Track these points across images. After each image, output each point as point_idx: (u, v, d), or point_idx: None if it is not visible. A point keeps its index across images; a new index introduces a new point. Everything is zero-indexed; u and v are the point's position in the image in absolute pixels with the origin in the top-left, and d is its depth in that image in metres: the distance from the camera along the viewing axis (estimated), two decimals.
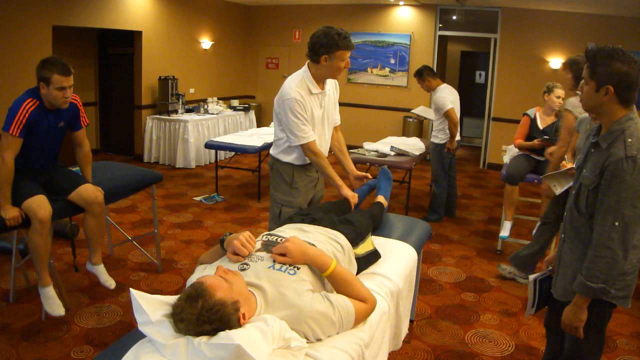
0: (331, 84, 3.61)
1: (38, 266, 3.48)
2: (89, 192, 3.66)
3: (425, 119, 7.76)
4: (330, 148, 3.77)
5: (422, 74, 6.31)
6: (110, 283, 3.91)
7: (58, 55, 3.47)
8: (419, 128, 10.09)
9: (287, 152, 3.55)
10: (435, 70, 9.99)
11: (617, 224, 2.18)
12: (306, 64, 3.44)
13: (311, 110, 3.40)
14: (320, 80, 3.44)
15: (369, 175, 3.71)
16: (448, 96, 6.14)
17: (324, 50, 3.26)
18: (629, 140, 2.17)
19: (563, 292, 2.53)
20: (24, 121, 3.31)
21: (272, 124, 3.67)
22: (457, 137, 6.36)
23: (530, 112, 5.49)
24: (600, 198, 2.25)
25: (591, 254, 2.26)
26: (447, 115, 6.10)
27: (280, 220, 3.50)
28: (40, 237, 3.38)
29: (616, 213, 2.17)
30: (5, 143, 3.32)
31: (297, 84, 3.36)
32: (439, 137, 6.32)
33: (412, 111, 7.28)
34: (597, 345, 2.57)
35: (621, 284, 2.29)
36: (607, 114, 2.28)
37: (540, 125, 5.36)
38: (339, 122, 3.81)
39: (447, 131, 6.23)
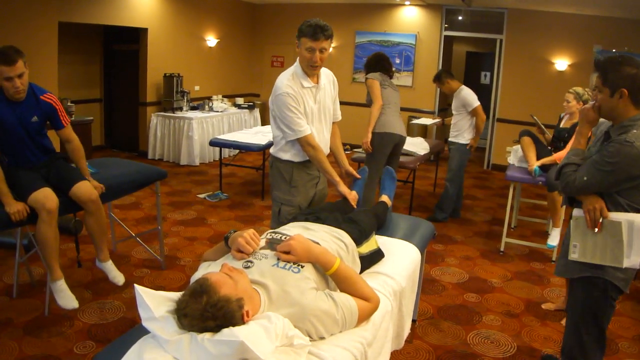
0: (328, 79, 3.60)
1: (48, 259, 3.48)
2: (81, 191, 3.61)
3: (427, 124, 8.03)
4: None
5: (441, 77, 6.40)
6: (119, 280, 3.91)
7: (9, 45, 3.41)
8: (424, 128, 10.08)
9: (285, 149, 3.54)
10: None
11: (585, 179, 2.54)
12: (297, 58, 3.45)
13: (304, 103, 3.40)
14: (311, 74, 3.43)
15: (357, 175, 3.75)
16: (474, 94, 6.27)
17: (296, 36, 3.34)
18: (634, 131, 2.42)
19: (565, 269, 2.77)
20: None
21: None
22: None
23: (563, 114, 5.53)
24: (591, 155, 2.59)
25: (567, 167, 2.66)
26: (476, 112, 6.19)
27: (280, 220, 3.50)
28: (49, 228, 3.38)
29: (590, 171, 2.53)
30: None
31: (288, 78, 3.37)
32: (465, 136, 6.32)
33: (414, 122, 7.45)
34: (594, 332, 2.73)
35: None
36: (622, 116, 2.49)
37: (561, 125, 5.40)
38: (339, 118, 3.80)
39: (473, 130, 6.30)
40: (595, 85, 2.56)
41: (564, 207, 5.07)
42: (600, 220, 2.56)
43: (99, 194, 3.73)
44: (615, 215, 2.54)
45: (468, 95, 6.21)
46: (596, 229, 2.58)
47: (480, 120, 6.23)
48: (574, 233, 2.67)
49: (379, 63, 5.78)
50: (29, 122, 3.52)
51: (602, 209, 2.54)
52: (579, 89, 5.27)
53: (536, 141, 5.42)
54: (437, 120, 7.25)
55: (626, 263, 2.55)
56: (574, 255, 2.66)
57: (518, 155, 5.54)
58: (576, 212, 2.68)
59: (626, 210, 2.53)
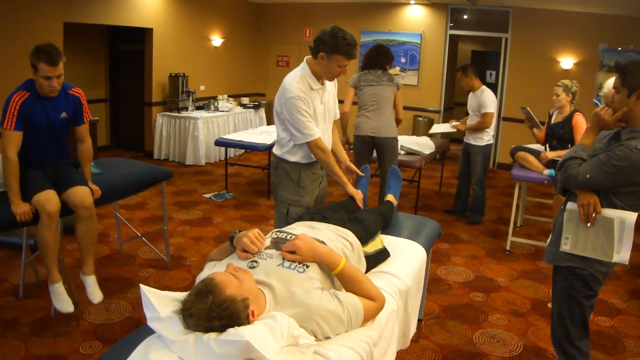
0: None
1: (47, 261, 3.48)
2: (77, 194, 3.53)
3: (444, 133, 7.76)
4: None
5: (467, 70, 6.25)
6: (95, 297, 3.70)
7: (50, 43, 3.43)
8: (429, 127, 10.04)
9: (292, 152, 3.51)
10: (445, 69, 10.04)
11: (588, 176, 2.54)
12: (305, 59, 3.41)
13: (313, 106, 3.37)
14: (319, 76, 3.41)
15: (359, 172, 3.76)
16: (495, 100, 6.19)
17: (324, 48, 3.22)
18: None
19: (554, 256, 2.80)
20: (15, 114, 3.30)
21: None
22: (491, 141, 6.39)
23: (552, 110, 5.52)
24: (598, 153, 2.56)
25: (572, 161, 2.63)
26: (486, 116, 6.12)
27: (288, 220, 3.49)
28: (48, 231, 3.37)
29: (594, 170, 2.52)
30: (5, 139, 3.32)
31: (297, 80, 3.32)
32: (484, 138, 6.27)
33: (432, 131, 7.19)
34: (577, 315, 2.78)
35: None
36: (635, 120, 2.49)
37: (552, 121, 5.39)
38: (338, 117, 3.79)
39: (490, 132, 6.28)
40: (614, 86, 2.55)
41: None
42: (593, 215, 2.60)
43: (96, 197, 3.69)
44: (608, 212, 2.58)
45: (488, 97, 6.12)
46: (589, 224, 2.62)
47: (484, 125, 6.15)
48: (567, 225, 2.71)
49: (372, 58, 5.70)
50: (57, 119, 3.53)
51: (596, 204, 2.58)
52: (567, 82, 5.25)
53: (530, 151, 5.43)
54: (454, 123, 6.94)
55: (615, 258, 2.60)
56: (565, 247, 2.71)
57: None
58: (570, 205, 2.72)
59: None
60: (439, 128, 7.18)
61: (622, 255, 2.60)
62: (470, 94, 6.34)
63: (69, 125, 3.70)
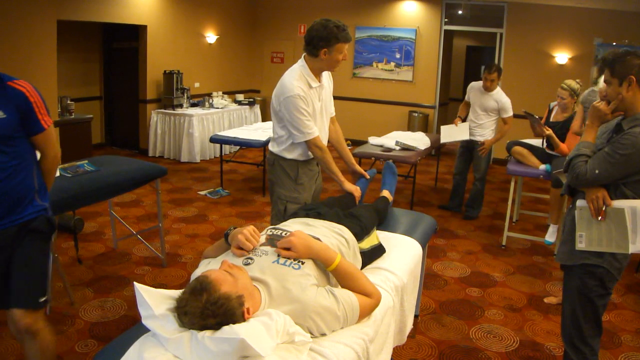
0: (325, 75, 3.57)
1: None
2: (16, 317, 2.50)
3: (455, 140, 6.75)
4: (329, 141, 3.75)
5: (501, 72, 6.13)
6: None
7: None
8: (424, 123, 10.06)
9: (290, 150, 3.51)
10: (440, 64, 10.05)
11: (597, 172, 2.53)
12: (302, 57, 3.41)
13: (312, 104, 3.38)
14: (318, 74, 3.41)
15: (366, 175, 3.76)
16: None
17: (324, 44, 3.23)
18: None
19: (567, 256, 2.78)
20: None
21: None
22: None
23: (553, 103, 5.51)
24: (602, 147, 2.58)
25: (578, 159, 2.62)
26: (510, 120, 6.16)
27: (285, 218, 3.47)
28: (31, 346, 2.58)
29: (602, 164, 2.53)
30: None
31: (297, 79, 3.32)
32: (492, 137, 6.31)
33: (444, 141, 6.67)
34: (590, 313, 2.77)
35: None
36: (633, 106, 2.53)
37: (552, 118, 5.38)
38: (334, 114, 3.78)
39: (495, 130, 6.31)
40: (605, 80, 2.60)
41: (564, 203, 5.06)
42: (604, 209, 2.59)
43: None
44: (618, 203, 2.57)
45: (507, 99, 6.12)
46: (600, 218, 2.60)
47: (508, 129, 6.21)
48: (579, 223, 2.69)
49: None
50: None
51: (605, 197, 2.57)
52: (573, 84, 5.19)
53: (526, 146, 5.42)
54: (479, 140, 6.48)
55: (632, 249, 2.58)
56: (580, 245, 2.68)
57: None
58: (580, 202, 2.70)
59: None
60: (452, 134, 6.57)
61: (637, 245, 2.58)
62: (484, 93, 6.21)
63: (17, 135, 2.44)
